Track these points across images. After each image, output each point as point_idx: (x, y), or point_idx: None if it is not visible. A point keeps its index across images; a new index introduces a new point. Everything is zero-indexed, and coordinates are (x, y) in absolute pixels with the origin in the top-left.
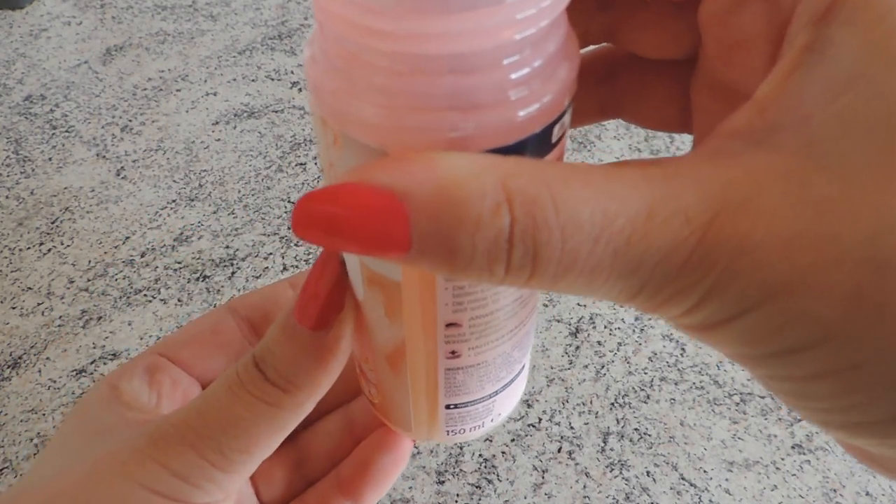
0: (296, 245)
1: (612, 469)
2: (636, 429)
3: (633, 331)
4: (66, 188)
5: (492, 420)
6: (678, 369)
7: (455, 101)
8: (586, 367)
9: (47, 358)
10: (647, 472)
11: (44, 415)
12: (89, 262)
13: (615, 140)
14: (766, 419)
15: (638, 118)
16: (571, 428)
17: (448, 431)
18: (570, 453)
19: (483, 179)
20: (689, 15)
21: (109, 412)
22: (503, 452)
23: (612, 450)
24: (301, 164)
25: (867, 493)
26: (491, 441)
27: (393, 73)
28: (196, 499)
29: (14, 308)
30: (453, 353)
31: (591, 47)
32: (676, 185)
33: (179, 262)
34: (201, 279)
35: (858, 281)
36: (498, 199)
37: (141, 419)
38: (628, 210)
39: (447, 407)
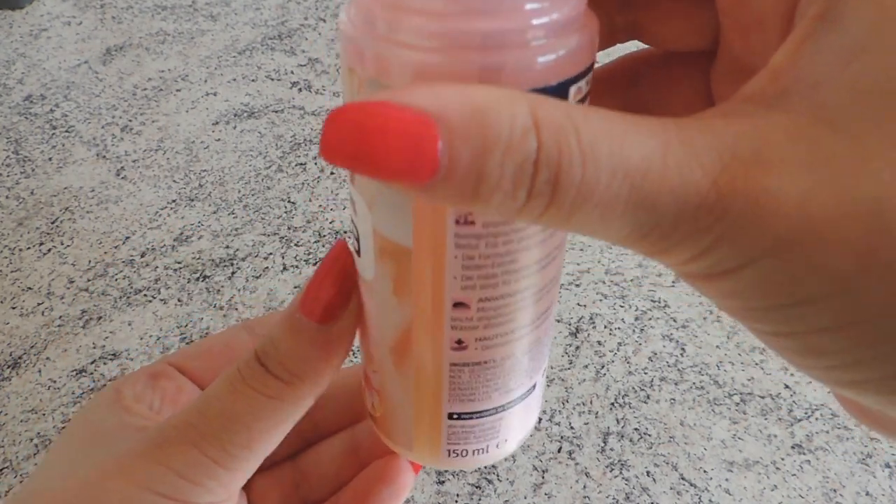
0: (296, 245)
1: (612, 469)
2: (636, 429)
3: (633, 331)
4: (66, 188)
5: (497, 446)
6: (678, 369)
7: (480, 42)
8: (586, 367)
9: (47, 358)
10: (647, 472)
11: (44, 415)
12: (89, 262)
13: None
14: (766, 419)
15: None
16: (571, 428)
17: (450, 451)
18: (570, 453)
19: (514, 105)
20: (710, 3)
21: (111, 416)
22: None
23: (612, 450)
24: (301, 164)
25: (867, 493)
26: None
27: (418, 13)
28: (199, 498)
29: (14, 308)
30: (459, 342)
31: (616, 52)
32: (690, 133)
33: (179, 262)
34: (201, 279)
35: (870, 237)
36: (526, 124)
37: (141, 424)
38: (645, 148)
39: (451, 416)
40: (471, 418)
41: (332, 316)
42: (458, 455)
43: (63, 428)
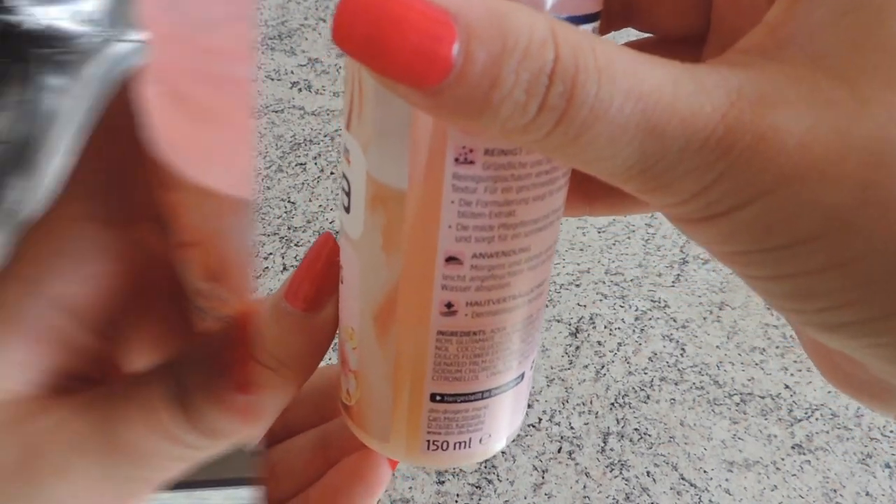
0: (296, 245)
1: (612, 469)
2: (636, 429)
3: (633, 331)
4: None
5: (480, 441)
6: (678, 369)
7: None
8: (586, 367)
9: None
10: (647, 472)
11: None
12: None
13: None
14: (766, 419)
15: None
16: (571, 428)
17: (429, 443)
18: (570, 453)
19: (533, 16)
20: None
21: None
22: (503, 452)
23: (612, 450)
24: (301, 164)
25: (867, 493)
26: None
27: None
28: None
29: None
30: (449, 305)
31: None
32: (699, 72)
33: None
34: None
35: (867, 174)
36: (545, 35)
37: None
38: (657, 77)
39: (433, 398)
40: (455, 401)
41: (318, 303)
42: (437, 448)
43: None
